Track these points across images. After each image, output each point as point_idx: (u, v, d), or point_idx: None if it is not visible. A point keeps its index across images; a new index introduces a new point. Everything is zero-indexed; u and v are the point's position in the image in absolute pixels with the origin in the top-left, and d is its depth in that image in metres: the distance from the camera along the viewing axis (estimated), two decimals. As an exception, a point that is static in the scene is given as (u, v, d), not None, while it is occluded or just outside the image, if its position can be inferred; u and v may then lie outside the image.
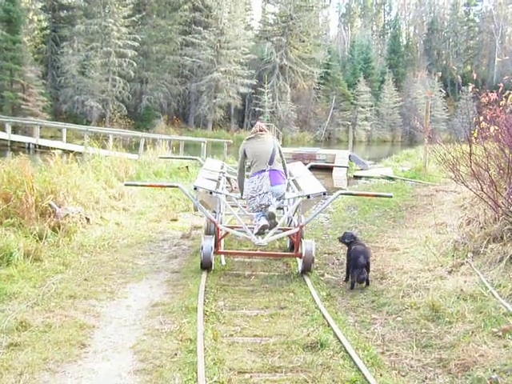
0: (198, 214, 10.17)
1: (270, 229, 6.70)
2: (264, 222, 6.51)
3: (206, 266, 6.53)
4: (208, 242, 6.51)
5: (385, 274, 6.52)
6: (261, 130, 7.11)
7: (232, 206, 7.53)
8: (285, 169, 7.15)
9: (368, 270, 6.17)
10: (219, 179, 8.05)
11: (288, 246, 7.97)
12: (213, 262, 6.63)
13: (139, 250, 7.59)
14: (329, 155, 22.97)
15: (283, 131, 43.46)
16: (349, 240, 6.47)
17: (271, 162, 6.71)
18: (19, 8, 39.28)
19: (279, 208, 7.58)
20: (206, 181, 7.31)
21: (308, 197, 6.79)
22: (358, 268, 6.06)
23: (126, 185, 7.79)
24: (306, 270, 6.64)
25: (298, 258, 6.99)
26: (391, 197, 7.72)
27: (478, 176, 7.19)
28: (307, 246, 6.60)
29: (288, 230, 7.29)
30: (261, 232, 6.63)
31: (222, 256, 7.20)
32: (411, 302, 5.45)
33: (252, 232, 6.67)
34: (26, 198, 7.52)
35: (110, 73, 42.45)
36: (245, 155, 6.95)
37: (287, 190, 7.53)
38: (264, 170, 6.62)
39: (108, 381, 3.84)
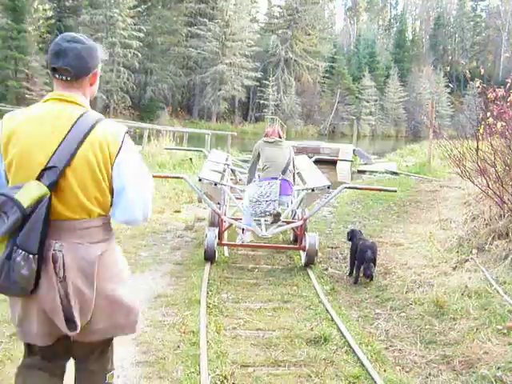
0: (202, 206, 10.15)
1: (272, 224, 6.69)
2: (278, 210, 6.47)
3: (209, 257, 6.51)
4: (212, 234, 6.49)
5: (389, 269, 6.49)
6: (279, 136, 7.05)
7: (236, 198, 7.50)
8: (293, 179, 7.04)
9: (374, 265, 6.14)
10: (224, 171, 8.03)
11: (292, 238, 7.95)
12: (216, 254, 6.62)
13: (142, 242, 7.56)
14: (333, 149, 22.92)
15: (287, 124, 43.41)
16: (358, 236, 6.43)
17: (285, 171, 6.62)
18: (24, -3, 39.21)
19: None
20: (210, 172, 7.29)
21: (312, 190, 6.76)
22: (365, 262, 6.02)
23: None
24: (310, 263, 6.62)
25: (301, 251, 6.97)
26: (395, 191, 7.68)
27: (483, 172, 7.15)
28: (311, 239, 6.57)
29: (292, 222, 7.27)
30: (275, 220, 6.58)
31: (225, 248, 7.19)
32: (415, 298, 5.41)
33: (256, 224, 6.65)
34: (29, 187, 7.49)
35: (115, 63, 42.44)
36: (258, 156, 6.85)
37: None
38: (276, 178, 6.54)
39: (110, 372, 3.82)
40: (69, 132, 2.26)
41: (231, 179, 8.59)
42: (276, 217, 6.48)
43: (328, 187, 6.78)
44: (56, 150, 2.24)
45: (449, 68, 57.83)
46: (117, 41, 41.73)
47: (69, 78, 2.35)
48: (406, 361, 4.22)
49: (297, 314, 5.10)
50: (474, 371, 3.94)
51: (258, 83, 51.74)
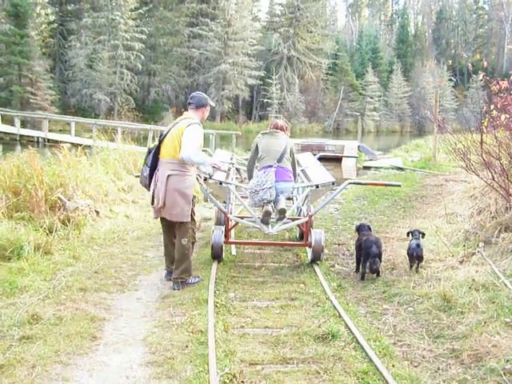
0: (208, 206, 10.17)
1: (277, 221, 6.67)
2: (268, 208, 6.43)
3: (216, 255, 6.52)
4: (218, 231, 6.51)
5: (395, 264, 6.48)
6: (277, 128, 7.06)
7: (242, 197, 7.51)
8: (294, 169, 6.95)
9: (380, 260, 6.13)
10: (229, 170, 8.04)
11: (297, 235, 7.96)
12: (223, 252, 6.63)
13: (149, 243, 7.59)
14: (338, 146, 22.90)
15: (292, 122, 43.35)
16: (363, 232, 6.44)
17: (280, 159, 6.58)
18: (26, 2, 39.35)
19: (288, 198, 7.56)
20: (216, 172, 7.29)
21: (317, 186, 6.76)
22: (370, 258, 6.02)
23: (136, 176, 7.78)
24: (316, 259, 6.63)
25: (307, 248, 6.98)
26: (400, 186, 7.68)
27: (488, 165, 7.13)
28: (316, 235, 6.57)
29: (297, 219, 7.27)
30: (265, 221, 6.54)
31: (233, 246, 7.21)
32: (422, 293, 5.40)
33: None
34: (35, 191, 7.53)
35: (118, 66, 42.51)
36: (257, 148, 6.86)
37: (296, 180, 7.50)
38: (271, 166, 6.52)
39: (119, 373, 3.84)
40: (175, 125, 5.66)
41: (236, 178, 8.60)
42: (281, 213, 6.45)
43: (332, 183, 6.79)
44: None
45: (452, 62, 57.56)
46: (119, 43, 41.78)
47: (193, 108, 5.80)
48: (415, 355, 4.23)
49: (304, 312, 5.11)
50: (482, 364, 3.93)
51: (261, 82, 51.69)
